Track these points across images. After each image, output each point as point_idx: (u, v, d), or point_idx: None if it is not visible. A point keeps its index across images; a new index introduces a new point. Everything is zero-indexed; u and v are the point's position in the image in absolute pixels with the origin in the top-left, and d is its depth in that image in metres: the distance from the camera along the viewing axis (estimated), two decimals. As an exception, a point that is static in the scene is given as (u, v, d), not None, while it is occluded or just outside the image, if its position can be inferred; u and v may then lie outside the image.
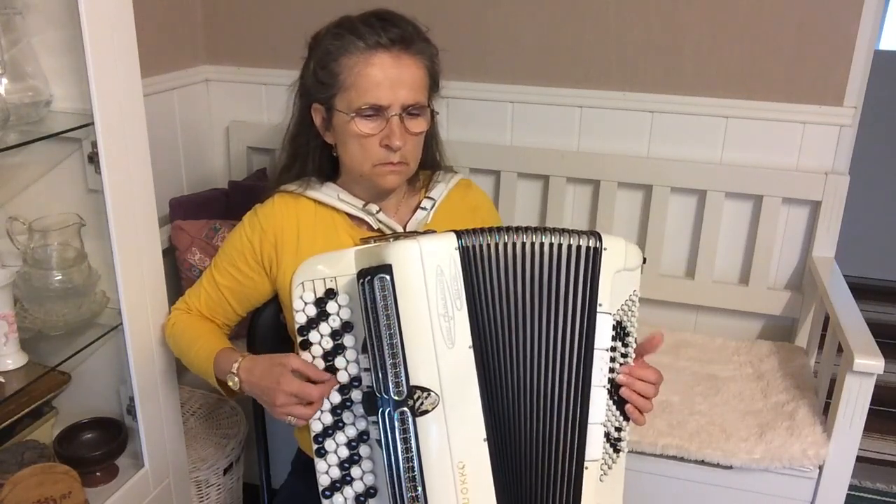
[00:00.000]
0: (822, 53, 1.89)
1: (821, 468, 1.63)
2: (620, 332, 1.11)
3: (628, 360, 1.13)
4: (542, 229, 1.06)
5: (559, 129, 2.11)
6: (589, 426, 1.08)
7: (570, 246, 1.07)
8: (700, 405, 1.78)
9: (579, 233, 1.08)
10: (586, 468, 1.08)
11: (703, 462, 1.66)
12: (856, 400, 1.57)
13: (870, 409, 1.57)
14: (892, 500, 2.27)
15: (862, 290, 3.24)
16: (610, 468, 1.12)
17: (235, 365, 1.19)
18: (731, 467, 1.65)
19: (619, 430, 1.13)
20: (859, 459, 1.73)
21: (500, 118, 2.14)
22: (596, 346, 1.08)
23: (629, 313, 1.12)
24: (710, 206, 2.04)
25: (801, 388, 1.82)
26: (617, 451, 1.13)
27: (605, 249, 1.07)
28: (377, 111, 1.19)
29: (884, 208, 3.58)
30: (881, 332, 3.11)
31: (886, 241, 3.62)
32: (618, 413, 1.13)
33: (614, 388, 1.12)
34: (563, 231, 1.07)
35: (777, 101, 1.95)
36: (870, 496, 2.27)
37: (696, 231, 2.10)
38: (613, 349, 1.11)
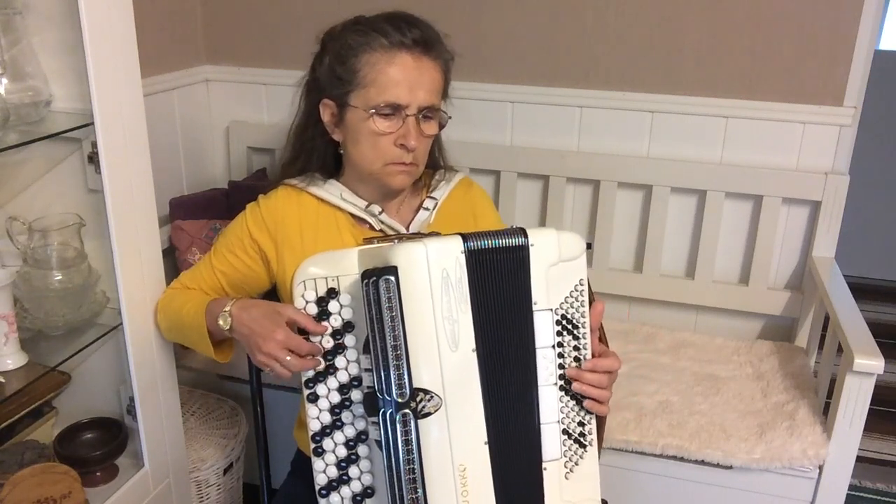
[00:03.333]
0: (822, 53, 1.89)
1: (821, 468, 1.63)
2: (567, 325, 1.09)
3: (582, 351, 1.10)
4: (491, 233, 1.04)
5: (559, 129, 2.11)
6: (542, 426, 1.07)
7: (500, 248, 1.04)
8: (700, 405, 1.78)
9: (506, 232, 1.05)
10: (545, 468, 1.08)
11: (703, 462, 1.66)
12: (856, 400, 1.57)
13: (870, 409, 1.57)
14: (892, 500, 2.27)
15: (862, 290, 3.24)
16: (577, 464, 1.11)
17: (230, 305, 1.19)
18: (731, 467, 1.65)
19: (581, 424, 1.11)
20: (859, 459, 1.73)
21: (500, 118, 2.14)
22: (538, 346, 1.07)
23: (576, 304, 1.09)
24: (710, 206, 2.04)
25: (801, 388, 1.82)
26: (583, 446, 1.11)
27: (531, 245, 1.05)
28: (395, 110, 1.19)
29: (884, 208, 3.58)
30: (881, 332, 3.11)
31: (886, 241, 3.62)
32: (577, 408, 1.11)
33: (569, 384, 1.10)
34: (495, 233, 1.05)
35: (777, 101, 1.95)
36: (870, 496, 2.27)
37: (696, 231, 2.10)
38: (561, 344, 1.09)
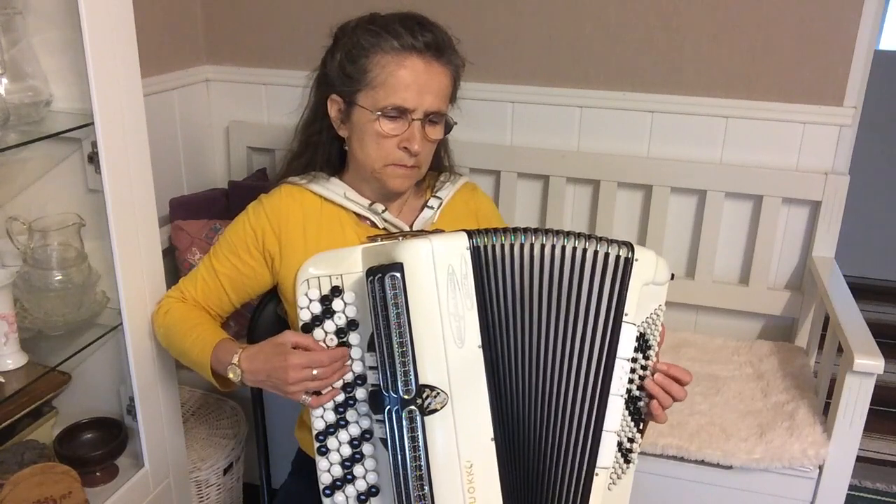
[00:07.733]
0: (822, 53, 1.89)
1: (821, 468, 1.63)
2: (643, 343, 1.11)
3: (648, 372, 1.12)
4: (567, 233, 1.06)
5: (559, 129, 2.11)
6: (603, 433, 1.08)
7: (597, 252, 1.06)
8: (700, 405, 1.78)
9: (610, 241, 1.07)
10: (597, 475, 1.08)
11: (703, 462, 1.66)
12: (856, 400, 1.57)
13: (870, 409, 1.57)
14: (892, 500, 2.27)
15: (862, 290, 3.25)
16: (619, 478, 1.12)
17: (236, 356, 1.18)
18: (731, 467, 1.65)
19: (631, 440, 1.13)
20: (859, 459, 1.73)
21: (500, 118, 2.14)
22: (618, 355, 1.08)
23: (653, 326, 1.12)
24: (710, 206, 2.04)
25: (801, 388, 1.82)
26: (627, 461, 1.13)
27: (636, 260, 1.07)
28: (401, 113, 1.19)
29: (884, 208, 3.58)
30: (881, 332, 3.11)
31: (886, 241, 3.62)
32: (632, 424, 1.13)
33: (631, 400, 1.12)
34: (590, 237, 1.06)
35: (777, 101, 1.95)
36: (870, 496, 2.27)
37: (696, 231, 2.10)
38: (634, 360, 1.10)
